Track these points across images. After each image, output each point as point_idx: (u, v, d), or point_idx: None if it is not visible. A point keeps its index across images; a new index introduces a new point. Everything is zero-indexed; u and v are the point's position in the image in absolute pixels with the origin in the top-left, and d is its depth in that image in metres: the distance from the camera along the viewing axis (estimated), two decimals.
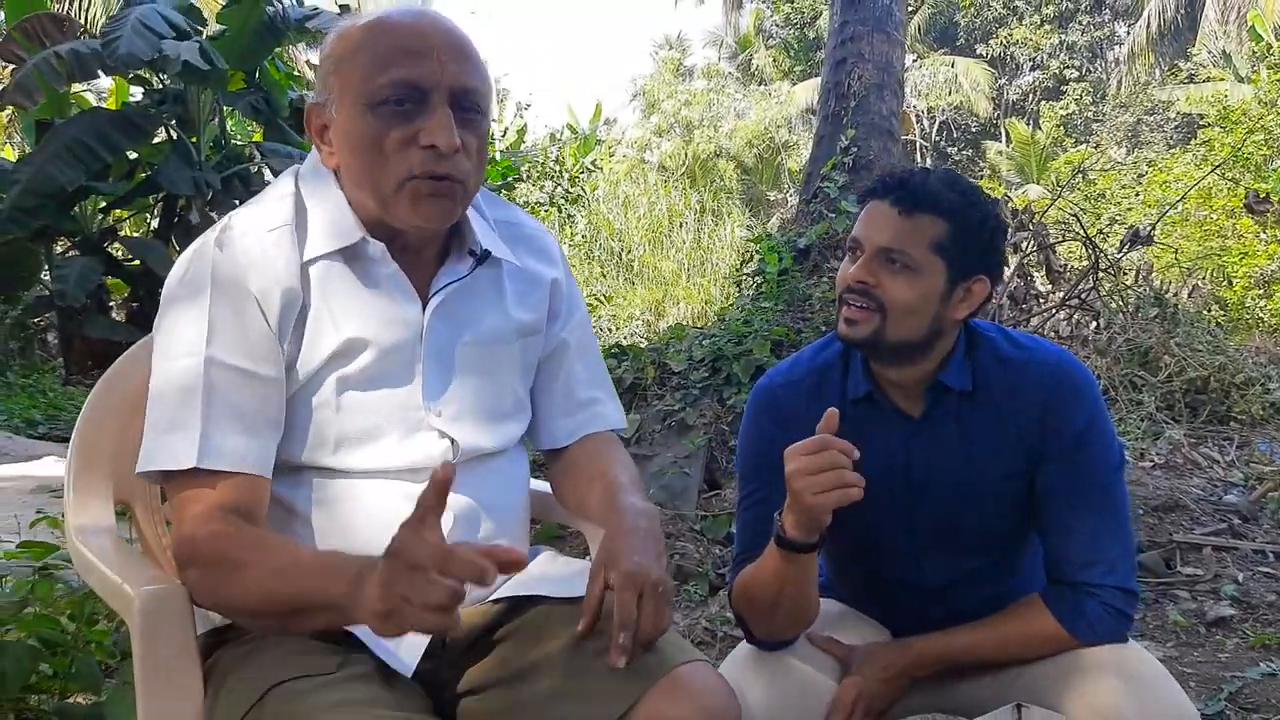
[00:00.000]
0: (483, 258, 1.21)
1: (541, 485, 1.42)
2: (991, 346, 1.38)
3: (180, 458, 1.07)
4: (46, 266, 9.37)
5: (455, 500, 1.16)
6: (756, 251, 6.06)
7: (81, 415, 1.37)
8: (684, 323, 9.40)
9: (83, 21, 10.42)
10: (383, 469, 1.15)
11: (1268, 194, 10.27)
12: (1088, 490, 1.35)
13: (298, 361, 1.13)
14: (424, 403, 1.17)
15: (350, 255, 1.15)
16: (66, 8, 11.25)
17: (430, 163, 1.09)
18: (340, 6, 10.02)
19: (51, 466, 4.67)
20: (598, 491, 1.26)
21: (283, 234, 1.14)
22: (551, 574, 1.25)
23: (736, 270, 7.40)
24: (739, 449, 1.48)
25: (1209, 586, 3.10)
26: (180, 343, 1.11)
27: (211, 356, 1.09)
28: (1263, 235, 11.68)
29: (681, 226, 14.37)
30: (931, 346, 1.35)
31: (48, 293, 9.37)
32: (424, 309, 1.18)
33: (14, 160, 12.05)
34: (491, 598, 1.20)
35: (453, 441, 1.17)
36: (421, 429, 1.17)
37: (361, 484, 1.15)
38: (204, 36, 8.73)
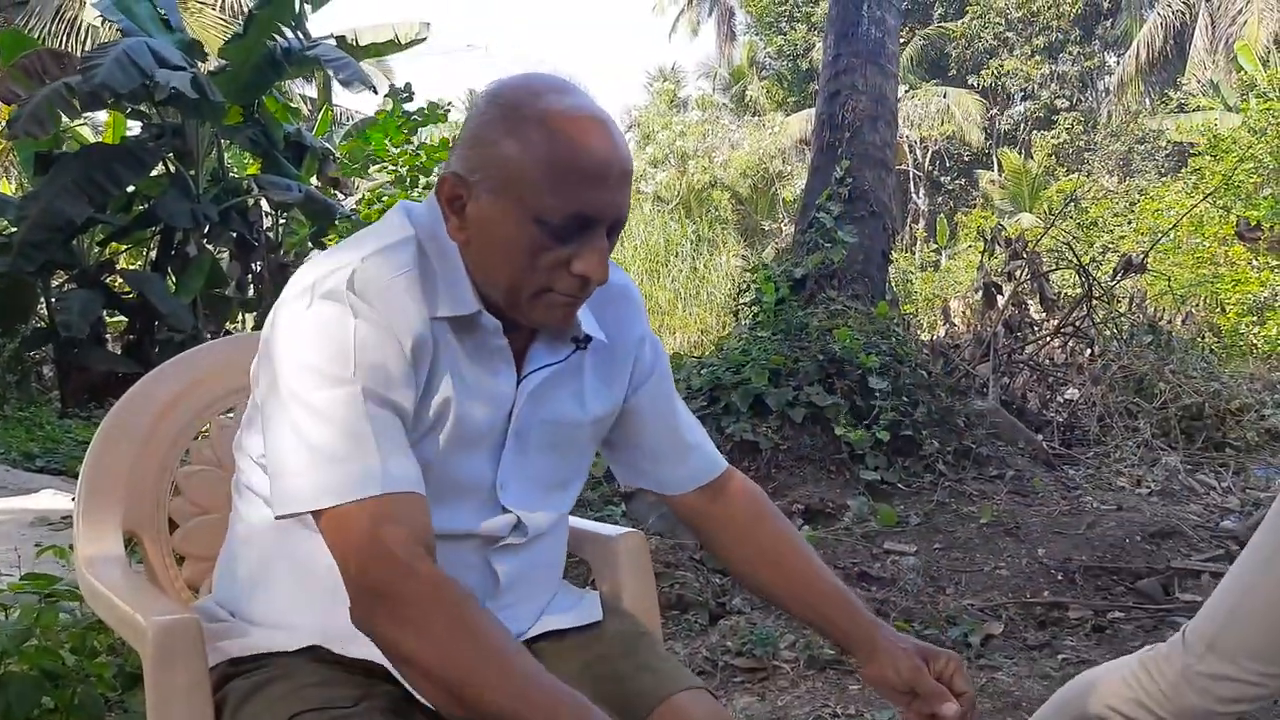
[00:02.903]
0: (583, 342, 1.20)
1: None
2: None
3: (365, 486, 1.01)
4: (43, 300, 9.38)
5: (507, 570, 1.18)
6: (753, 281, 6.10)
7: (91, 446, 1.37)
8: (681, 352, 9.43)
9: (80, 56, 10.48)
10: (448, 533, 1.13)
11: (1258, 222, 10.36)
12: None
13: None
14: (497, 478, 1.16)
15: (462, 324, 1.12)
16: (63, 43, 11.35)
17: (577, 289, 1.09)
18: (337, 38, 10.08)
19: (49, 500, 4.64)
20: (802, 578, 1.29)
21: (411, 280, 1.09)
22: (564, 604, 1.27)
23: (733, 299, 7.43)
24: None
25: None
26: (327, 379, 1.04)
27: (368, 389, 1.04)
28: (1254, 262, 11.77)
29: (678, 256, 14.47)
30: None
31: (44, 326, 9.37)
32: (517, 384, 1.16)
33: (12, 194, 12.13)
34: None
35: (519, 521, 1.17)
36: (489, 502, 1.16)
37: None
38: (205, 72, 8.79)
